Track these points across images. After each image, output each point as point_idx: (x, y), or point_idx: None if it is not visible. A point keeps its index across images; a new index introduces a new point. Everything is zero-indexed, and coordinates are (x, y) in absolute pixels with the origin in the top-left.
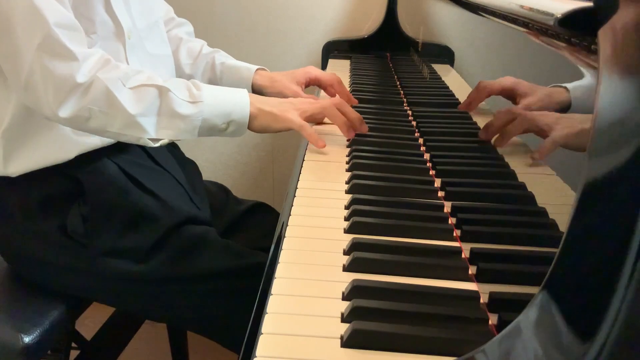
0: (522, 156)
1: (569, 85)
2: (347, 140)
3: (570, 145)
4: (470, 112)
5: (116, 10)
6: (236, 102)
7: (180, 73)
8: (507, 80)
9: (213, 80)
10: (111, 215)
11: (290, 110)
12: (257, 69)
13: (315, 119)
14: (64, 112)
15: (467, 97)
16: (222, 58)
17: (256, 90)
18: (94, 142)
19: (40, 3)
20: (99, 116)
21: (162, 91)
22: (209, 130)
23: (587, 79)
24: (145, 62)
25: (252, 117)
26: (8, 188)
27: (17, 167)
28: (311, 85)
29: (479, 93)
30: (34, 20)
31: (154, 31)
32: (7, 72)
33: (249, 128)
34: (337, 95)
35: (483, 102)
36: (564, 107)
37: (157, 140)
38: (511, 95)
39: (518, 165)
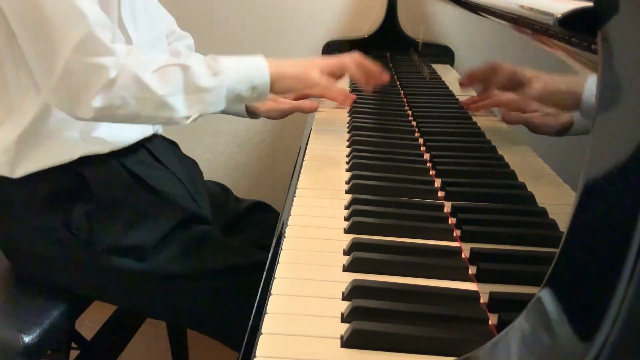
0: (522, 156)
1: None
2: (347, 138)
3: (546, 100)
4: (473, 110)
5: (127, 26)
6: (254, 67)
7: None
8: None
9: None
10: (115, 213)
11: (312, 68)
12: None
13: (336, 76)
14: (98, 102)
15: (472, 98)
16: None
17: (250, 107)
18: (99, 148)
19: (80, 3)
20: (130, 102)
21: (184, 68)
22: (235, 98)
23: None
24: None
25: (273, 80)
26: (12, 185)
27: (23, 170)
28: (301, 97)
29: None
30: (76, 20)
31: (157, 46)
32: (38, 72)
33: (272, 91)
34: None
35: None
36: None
37: (188, 117)
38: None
39: (518, 165)
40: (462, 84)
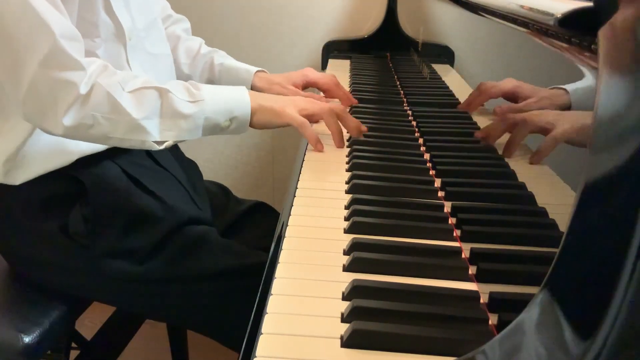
0: (522, 156)
1: (568, 87)
2: (347, 140)
3: (572, 141)
4: (470, 112)
5: (116, 11)
6: (237, 98)
7: (178, 73)
8: (509, 83)
9: (211, 81)
10: (112, 216)
11: (290, 106)
12: (257, 71)
13: (312, 120)
14: (68, 120)
15: (468, 98)
16: (221, 58)
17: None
18: (95, 146)
19: (46, 16)
20: (102, 122)
21: (162, 92)
22: (212, 128)
23: (587, 79)
24: (146, 63)
25: (252, 113)
26: (10, 189)
27: (24, 177)
28: (308, 87)
29: (480, 95)
30: (40, 33)
31: (153, 30)
32: (7, 85)
33: (250, 124)
34: (337, 98)
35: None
36: (565, 109)
37: (162, 142)
38: (512, 98)
39: (518, 165)
40: (478, 137)
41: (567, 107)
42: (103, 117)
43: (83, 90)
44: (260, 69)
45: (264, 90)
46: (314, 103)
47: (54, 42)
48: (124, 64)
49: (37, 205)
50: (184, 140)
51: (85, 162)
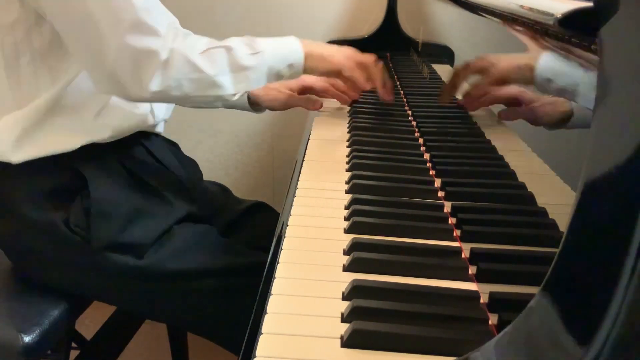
0: (522, 156)
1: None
2: (347, 140)
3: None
4: (470, 110)
5: None
6: (289, 47)
7: None
8: (513, 90)
9: None
10: (113, 210)
11: (338, 53)
12: None
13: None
14: (154, 85)
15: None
16: None
17: (252, 99)
18: (100, 135)
19: None
20: (184, 84)
21: (227, 49)
22: (274, 76)
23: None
24: None
25: (305, 58)
26: (11, 180)
27: (24, 154)
28: (305, 92)
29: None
30: (122, 7)
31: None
32: (88, 62)
33: (304, 69)
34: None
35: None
36: (567, 116)
37: (234, 94)
38: (516, 103)
39: (518, 165)
40: (442, 100)
41: (570, 114)
42: (185, 79)
43: (164, 56)
44: None
45: (261, 95)
46: (361, 54)
47: (135, 14)
48: None
49: (39, 198)
50: (252, 89)
51: (87, 155)
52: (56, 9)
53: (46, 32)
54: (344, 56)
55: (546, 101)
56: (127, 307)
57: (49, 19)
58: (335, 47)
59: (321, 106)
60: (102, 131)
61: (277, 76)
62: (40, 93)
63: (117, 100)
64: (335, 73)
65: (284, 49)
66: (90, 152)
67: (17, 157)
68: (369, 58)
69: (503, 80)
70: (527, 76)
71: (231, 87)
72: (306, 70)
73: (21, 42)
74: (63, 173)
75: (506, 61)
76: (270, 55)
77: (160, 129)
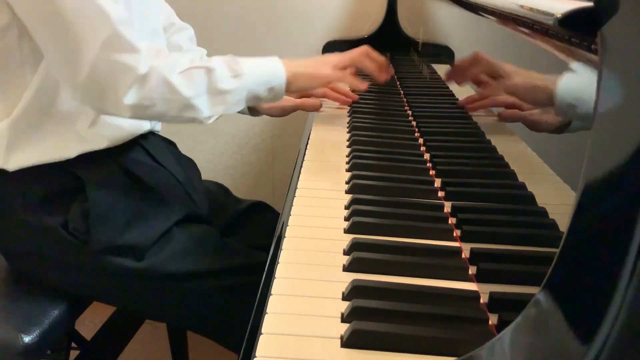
0: (522, 156)
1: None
2: (347, 140)
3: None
4: (470, 112)
5: None
6: (272, 69)
7: None
8: (510, 98)
9: None
10: (112, 213)
11: (323, 65)
12: None
13: (349, 70)
14: (128, 100)
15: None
16: None
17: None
18: (97, 144)
19: (102, 3)
20: (159, 103)
21: (208, 71)
22: (253, 99)
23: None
24: None
25: (289, 82)
26: (9, 184)
27: (18, 161)
28: (305, 96)
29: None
30: (99, 20)
31: (155, 40)
32: (64, 72)
33: (287, 91)
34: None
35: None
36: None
37: (210, 117)
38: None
39: (518, 165)
40: (447, 79)
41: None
42: (160, 98)
43: (141, 71)
44: None
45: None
46: (345, 55)
47: (112, 27)
48: None
49: (37, 201)
50: (229, 113)
51: (85, 159)
52: (33, 18)
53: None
54: (329, 65)
55: (545, 109)
56: (128, 307)
57: (28, 29)
58: (317, 60)
59: (321, 106)
60: (98, 141)
61: (256, 99)
62: (28, 98)
63: None
64: (326, 85)
65: (266, 72)
66: (88, 155)
67: (11, 164)
68: (351, 55)
69: (514, 94)
70: (543, 99)
71: (207, 109)
72: (295, 91)
73: (12, 47)
74: (60, 176)
75: (524, 78)
76: (251, 79)
77: (157, 126)
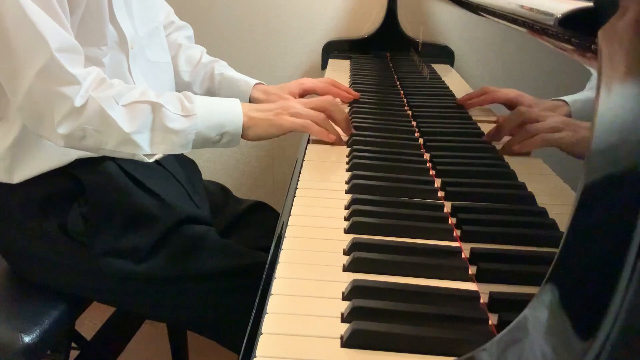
0: (522, 156)
1: (567, 99)
2: (347, 140)
3: (566, 149)
4: (466, 108)
5: (120, 21)
6: (229, 112)
7: (178, 80)
8: (512, 92)
9: (211, 90)
10: (111, 215)
11: (284, 114)
12: (256, 84)
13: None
14: (62, 130)
15: (470, 94)
16: (222, 68)
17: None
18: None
19: (43, 28)
20: (93, 135)
21: (155, 107)
22: (203, 142)
23: (585, 91)
24: (146, 70)
25: (245, 127)
26: (7, 188)
27: (21, 175)
28: (307, 95)
29: (482, 99)
30: (37, 45)
31: (154, 38)
32: (6, 90)
33: (244, 137)
34: (338, 97)
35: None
36: None
37: (152, 155)
38: (513, 106)
39: (518, 165)
40: (489, 139)
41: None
42: (94, 130)
43: (77, 103)
44: (259, 81)
45: (262, 101)
46: (309, 102)
47: (50, 55)
48: (126, 72)
49: (37, 204)
50: (173, 153)
51: (84, 161)
52: None
53: None
54: (293, 111)
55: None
56: (127, 308)
57: None
58: (281, 105)
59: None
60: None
61: (207, 143)
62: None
63: None
64: (287, 132)
65: (222, 115)
66: (88, 158)
67: (16, 179)
68: (318, 101)
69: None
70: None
71: (147, 146)
72: (251, 138)
73: None
74: (61, 179)
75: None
76: (203, 120)
77: None
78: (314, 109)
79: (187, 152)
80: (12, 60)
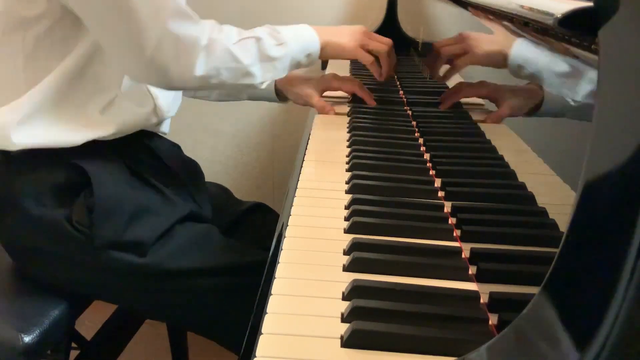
0: (522, 156)
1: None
2: (347, 140)
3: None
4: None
5: None
6: (308, 37)
7: None
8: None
9: None
10: (116, 208)
11: (353, 42)
12: None
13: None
14: (198, 71)
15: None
16: None
17: (278, 90)
18: (104, 131)
19: None
20: (223, 72)
21: (257, 40)
22: (295, 65)
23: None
24: None
25: (321, 48)
26: (14, 177)
27: (24, 138)
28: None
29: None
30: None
31: None
32: (126, 53)
33: (319, 58)
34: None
35: (480, 100)
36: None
37: (262, 83)
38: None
39: (518, 165)
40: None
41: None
42: (223, 68)
43: (204, 42)
44: None
45: (285, 88)
46: (372, 40)
47: (174, 4)
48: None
49: (43, 195)
50: (276, 78)
51: (91, 152)
52: (91, 9)
53: (67, 26)
54: (355, 41)
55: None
56: (128, 305)
57: (79, 14)
58: (346, 31)
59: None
60: (105, 128)
61: (297, 65)
62: (49, 80)
63: (124, 97)
64: (352, 57)
65: (304, 40)
66: (94, 150)
67: (17, 139)
68: (379, 44)
69: (477, 60)
70: (500, 61)
71: (260, 75)
72: (322, 58)
73: (43, 35)
74: (66, 170)
75: (485, 45)
76: (293, 47)
77: (165, 129)
78: (380, 48)
79: (285, 74)
80: (136, 20)
